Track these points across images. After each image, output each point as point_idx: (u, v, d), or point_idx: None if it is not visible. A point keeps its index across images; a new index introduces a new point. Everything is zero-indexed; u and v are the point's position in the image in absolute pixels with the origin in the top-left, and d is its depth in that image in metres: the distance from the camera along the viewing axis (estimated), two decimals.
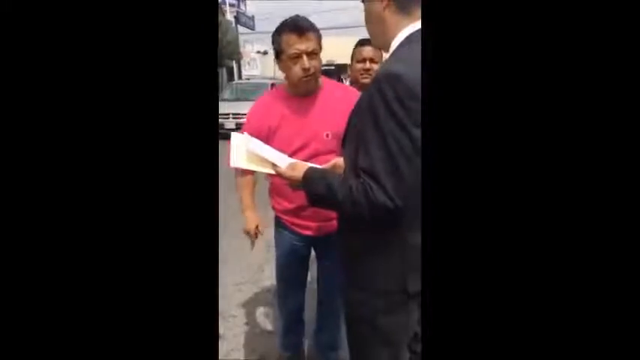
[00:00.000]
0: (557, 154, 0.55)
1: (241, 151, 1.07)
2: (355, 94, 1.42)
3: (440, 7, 0.60)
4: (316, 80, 1.30)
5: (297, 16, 1.29)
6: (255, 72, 17.57)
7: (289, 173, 0.97)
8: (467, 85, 0.58)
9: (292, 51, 1.21)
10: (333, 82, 1.44)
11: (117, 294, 0.57)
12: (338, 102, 1.32)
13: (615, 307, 0.54)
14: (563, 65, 0.54)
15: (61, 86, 0.56)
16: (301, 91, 1.31)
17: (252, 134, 1.21)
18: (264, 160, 1.04)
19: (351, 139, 0.87)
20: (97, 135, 0.57)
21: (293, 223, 1.44)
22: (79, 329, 0.56)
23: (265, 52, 17.62)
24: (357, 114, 0.86)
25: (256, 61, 18.25)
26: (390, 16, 0.85)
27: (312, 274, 1.63)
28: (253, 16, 20.20)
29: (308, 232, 1.43)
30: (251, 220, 1.49)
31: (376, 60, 1.76)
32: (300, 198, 1.34)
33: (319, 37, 1.26)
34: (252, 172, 1.43)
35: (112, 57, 0.57)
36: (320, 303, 1.61)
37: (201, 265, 0.60)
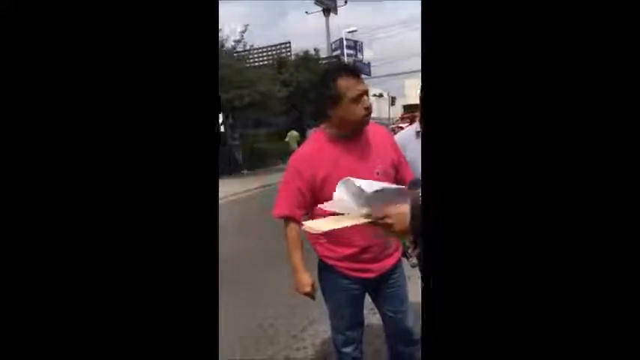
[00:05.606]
0: (558, 154, 0.53)
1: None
2: (384, 130, 1.54)
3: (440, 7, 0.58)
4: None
5: (346, 62, 1.39)
6: (373, 114, 18.11)
7: (399, 227, 0.82)
8: (466, 84, 0.57)
9: (355, 93, 1.29)
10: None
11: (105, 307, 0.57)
12: (378, 140, 1.41)
13: (615, 309, 0.51)
14: (561, 67, 0.53)
15: (61, 98, 0.57)
16: (354, 131, 1.36)
17: (304, 184, 1.32)
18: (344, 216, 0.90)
19: None
20: (96, 136, 0.58)
21: (352, 269, 1.39)
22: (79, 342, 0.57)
23: (381, 95, 18.14)
24: None
25: (373, 104, 18.88)
26: None
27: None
28: (369, 63, 21.16)
29: (369, 275, 1.40)
30: (305, 282, 1.41)
31: None
32: (363, 240, 1.35)
33: None
34: (299, 221, 1.36)
35: (112, 58, 0.58)
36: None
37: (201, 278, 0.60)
